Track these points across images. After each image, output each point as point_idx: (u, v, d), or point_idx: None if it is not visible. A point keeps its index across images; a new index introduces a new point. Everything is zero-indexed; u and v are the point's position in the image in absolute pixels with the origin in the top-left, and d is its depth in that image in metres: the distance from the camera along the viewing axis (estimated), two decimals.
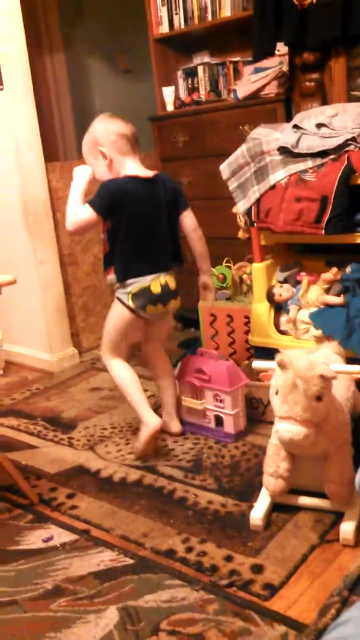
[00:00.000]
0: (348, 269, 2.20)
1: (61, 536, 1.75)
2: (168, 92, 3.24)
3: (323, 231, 2.13)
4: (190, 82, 3.27)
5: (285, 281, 2.37)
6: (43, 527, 1.80)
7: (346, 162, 2.07)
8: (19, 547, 1.72)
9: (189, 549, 1.62)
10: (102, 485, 1.99)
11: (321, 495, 1.69)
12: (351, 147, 2.10)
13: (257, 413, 2.27)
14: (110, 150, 2.06)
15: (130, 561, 1.61)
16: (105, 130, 2.08)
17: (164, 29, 3.17)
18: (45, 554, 1.68)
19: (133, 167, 2.08)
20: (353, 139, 2.10)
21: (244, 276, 2.71)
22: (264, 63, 2.76)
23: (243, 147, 2.35)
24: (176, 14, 3.11)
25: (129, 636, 1.36)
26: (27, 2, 2.93)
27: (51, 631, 1.40)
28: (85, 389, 2.81)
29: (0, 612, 1.48)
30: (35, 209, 2.93)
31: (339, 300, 2.16)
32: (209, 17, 3.00)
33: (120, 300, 2.09)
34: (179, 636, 1.34)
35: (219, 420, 2.19)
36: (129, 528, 1.74)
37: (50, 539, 1.74)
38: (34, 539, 1.75)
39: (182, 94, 3.31)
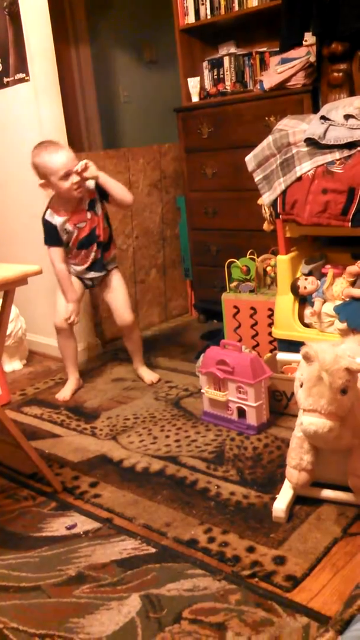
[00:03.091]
0: None
1: (84, 524, 1.77)
2: (193, 83, 3.23)
3: (349, 223, 2.11)
4: (215, 72, 3.25)
5: (310, 274, 2.35)
6: (66, 515, 1.82)
7: None
8: (43, 534, 1.74)
9: (211, 539, 1.63)
10: (124, 474, 2.00)
11: (345, 488, 1.68)
12: None
13: (280, 405, 2.27)
14: None
15: (153, 550, 1.62)
16: None
17: (190, 19, 3.16)
18: (69, 541, 1.70)
19: None
20: None
21: (268, 268, 2.70)
22: (291, 53, 2.74)
23: (269, 139, 2.34)
24: (202, 4, 3.09)
25: (151, 623, 1.37)
26: None
27: (74, 617, 1.41)
28: (108, 379, 2.82)
29: (24, 597, 1.50)
30: None
31: None
32: (236, 7, 2.98)
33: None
34: (201, 625, 1.35)
35: (241, 412, 2.19)
36: (151, 517, 1.76)
37: (73, 526, 1.76)
38: (58, 526, 1.77)
39: (208, 84, 3.29)
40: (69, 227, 2.48)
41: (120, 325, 2.68)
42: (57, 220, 2.47)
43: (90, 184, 2.45)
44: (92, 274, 2.59)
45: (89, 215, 2.49)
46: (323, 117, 2.23)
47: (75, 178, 2.35)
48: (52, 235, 2.49)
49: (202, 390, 2.29)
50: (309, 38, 2.71)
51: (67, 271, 2.53)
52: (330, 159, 2.15)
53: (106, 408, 2.52)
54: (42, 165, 2.35)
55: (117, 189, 2.44)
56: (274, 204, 2.33)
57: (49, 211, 2.50)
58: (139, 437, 2.24)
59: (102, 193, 2.48)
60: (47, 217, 2.49)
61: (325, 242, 2.58)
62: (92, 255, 2.54)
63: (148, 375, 2.73)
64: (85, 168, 2.35)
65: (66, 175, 2.34)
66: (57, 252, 2.50)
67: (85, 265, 2.56)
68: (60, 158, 2.33)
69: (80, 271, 2.58)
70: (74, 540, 1.70)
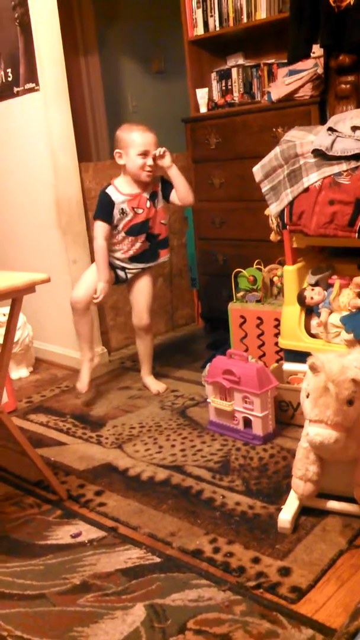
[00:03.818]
0: None
1: (89, 532, 1.77)
2: (201, 94, 3.25)
3: (356, 234, 2.12)
4: (223, 84, 3.27)
5: (316, 284, 2.35)
6: (71, 523, 1.82)
7: None
8: (48, 542, 1.75)
9: (216, 550, 1.63)
10: (130, 483, 2.00)
11: (350, 500, 1.67)
12: None
13: (286, 416, 2.26)
14: None
15: (158, 559, 1.62)
16: None
17: (199, 31, 3.18)
18: (73, 549, 1.70)
19: None
20: None
21: (275, 278, 2.71)
22: (299, 65, 2.76)
23: (277, 150, 2.35)
24: (211, 16, 3.12)
25: (156, 634, 1.37)
26: (64, 3, 2.96)
27: (79, 625, 1.41)
28: (114, 388, 2.83)
29: (29, 605, 1.50)
30: (68, 209, 2.96)
31: None
32: (244, 19, 3.00)
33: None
34: (206, 636, 1.35)
35: (247, 422, 2.19)
36: (156, 527, 1.75)
37: (78, 534, 1.76)
38: (63, 535, 1.77)
39: (216, 95, 3.31)
40: (126, 207, 2.49)
41: (136, 325, 2.72)
42: (117, 197, 2.49)
43: (157, 178, 2.54)
44: (135, 264, 2.60)
45: (148, 204, 2.52)
46: (330, 129, 2.24)
47: (150, 161, 2.44)
48: (105, 210, 2.50)
49: (208, 400, 2.29)
50: (317, 50, 2.72)
51: (107, 249, 2.52)
52: (337, 170, 2.16)
53: (112, 416, 2.52)
54: (127, 138, 2.44)
55: (183, 186, 2.52)
56: (281, 214, 2.33)
57: (111, 187, 2.52)
58: (145, 446, 2.24)
59: (165, 190, 2.56)
60: (108, 190, 2.51)
61: (332, 253, 2.58)
62: (138, 245, 2.55)
63: (154, 384, 2.74)
64: (163, 155, 2.45)
65: (144, 154, 2.43)
66: (103, 227, 2.50)
67: (128, 255, 2.57)
68: (146, 137, 2.44)
69: (122, 259, 2.58)
70: (79, 549, 1.70)
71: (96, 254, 2.54)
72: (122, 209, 2.49)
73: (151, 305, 2.70)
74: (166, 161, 2.47)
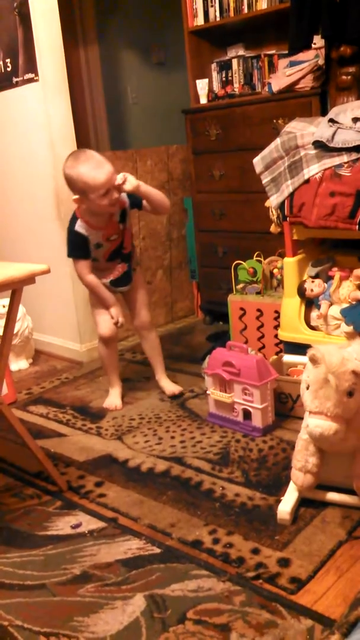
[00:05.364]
0: None
1: (89, 523, 1.77)
2: (202, 85, 3.23)
3: (357, 226, 2.11)
4: (224, 75, 3.26)
5: (316, 276, 2.35)
6: (71, 514, 1.83)
7: None
8: (48, 533, 1.75)
9: (216, 541, 1.63)
10: (130, 474, 2.01)
11: (350, 491, 1.68)
12: None
13: (285, 408, 2.27)
14: None
15: (157, 550, 1.63)
16: None
17: (199, 21, 3.16)
18: (74, 540, 1.71)
19: None
20: None
21: (275, 271, 2.70)
22: (299, 56, 2.74)
23: (277, 141, 2.34)
24: (211, 6, 3.10)
25: (156, 624, 1.37)
26: None
27: (79, 615, 1.42)
28: None
29: (29, 595, 1.50)
30: (67, 200, 2.93)
31: None
32: (245, 9, 2.99)
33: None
34: (205, 626, 1.35)
35: (247, 414, 2.19)
36: (156, 518, 1.76)
37: (78, 525, 1.77)
38: (63, 525, 1.78)
39: (216, 87, 3.30)
40: (101, 241, 2.31)
41: (136, 325, 2.57)
42: (90, 232, 2.28)
43: (123, 193, 2.27)
44: (120, 288, 2.47)
45: (121, 227, 2.34)
46: (331, 120, 2.23)
47: (115, 194, 2.17)
48: (80, 248, 2.29)
49: (207, 392, 2.30)
50: (318, 41, 2.71)
51: (97, 278, 2.36)
52: (338, 161, 2.15)
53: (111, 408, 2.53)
54: (81, 181, 2.12)
55: (158, 196, 2.29)
56: (281, 206, 2.33)
57: (79, 222, 2.27)
58: (144, 438, 2.24)
59: (134, 201, 2.33)
60: (78, 228, 2.27)
61: (333, 245, 2.58)
62: (118, 267, 2.41)
63: (170, 386, 2.60)
64: (124, 181, 2.17)
65: (106, 192, 2.15)
66: (85, 265, 2.32)
67: (109, 279, 2.42)
68: (104, 175, 2.12)
69: (105, 283, 2.42)
70: (79, 539, 1.70)
71: (92, 290, 2.37)
72: (98, 243, 2.31)
73: (147, 303, 2.56)
74: (129, 185, 2.17)
